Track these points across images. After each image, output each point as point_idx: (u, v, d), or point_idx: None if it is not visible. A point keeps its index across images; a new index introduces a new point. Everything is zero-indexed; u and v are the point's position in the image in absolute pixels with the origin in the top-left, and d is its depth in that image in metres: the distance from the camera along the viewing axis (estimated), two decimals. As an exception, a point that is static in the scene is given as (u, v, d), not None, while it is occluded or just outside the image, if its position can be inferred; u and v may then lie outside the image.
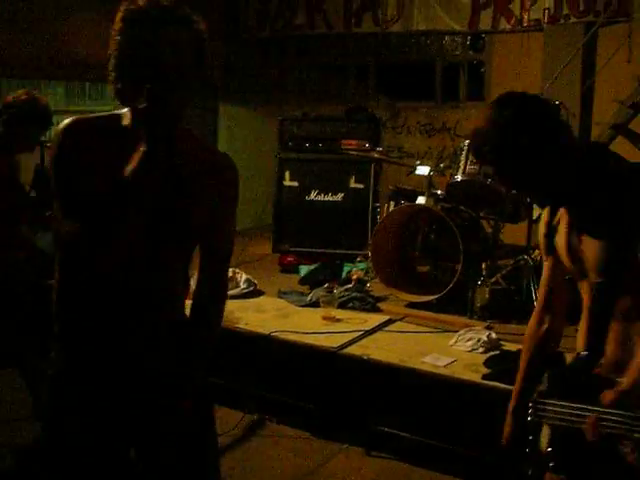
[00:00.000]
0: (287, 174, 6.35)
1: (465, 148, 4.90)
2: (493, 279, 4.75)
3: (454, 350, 4.06)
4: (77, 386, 1.99)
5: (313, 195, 6.28)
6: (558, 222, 2.10)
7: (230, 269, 5.24)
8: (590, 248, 1.97)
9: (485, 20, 7.27)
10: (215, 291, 2.13)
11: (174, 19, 1.85)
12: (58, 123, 1.92)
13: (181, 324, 2.08)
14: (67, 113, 7.71)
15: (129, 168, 1.77)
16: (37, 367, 3.84)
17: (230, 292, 5.06)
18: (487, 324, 4.43)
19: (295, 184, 6.33)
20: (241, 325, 4.47)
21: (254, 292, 5.17)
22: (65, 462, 2.04)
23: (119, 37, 1.85)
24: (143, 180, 1.79)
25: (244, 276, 5.22)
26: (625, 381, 1.84)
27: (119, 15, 1.86)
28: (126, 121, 1.93)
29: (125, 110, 1.94)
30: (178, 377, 2.02)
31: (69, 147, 1.87)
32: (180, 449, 2.06)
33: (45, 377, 2.02)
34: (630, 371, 1.87)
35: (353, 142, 6.04)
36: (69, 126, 1.89)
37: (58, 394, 2.03)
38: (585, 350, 1.97)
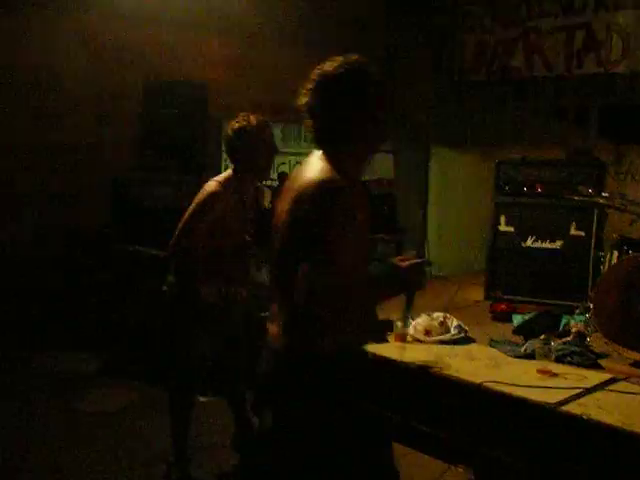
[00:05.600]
0: (503, 219, 6.21)
1: None
2: None
3: (688, 417, 3.69)
4: None
5: (530, 242, 6.07)
6: None
7: (441, 314, 5.19)
8: None
9: None
10: None
11: None
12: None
13: None
14: (284, 154, 8.12)
15: None
16: (245, 399, 3.96)
17: (440, 337, 4.98)
18: None
19: (511, 229, 6.16)
20: (451, 372, 4.35)
21: (465, 339, 5.02)
22: None
23: None
24: None
25: (455, 322, 5.10)
26: None
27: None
28: None
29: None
30: None
31: None
32: None
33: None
34: None
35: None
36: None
37: None
38: None
